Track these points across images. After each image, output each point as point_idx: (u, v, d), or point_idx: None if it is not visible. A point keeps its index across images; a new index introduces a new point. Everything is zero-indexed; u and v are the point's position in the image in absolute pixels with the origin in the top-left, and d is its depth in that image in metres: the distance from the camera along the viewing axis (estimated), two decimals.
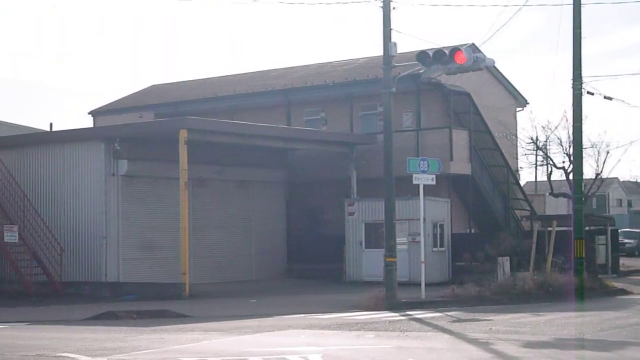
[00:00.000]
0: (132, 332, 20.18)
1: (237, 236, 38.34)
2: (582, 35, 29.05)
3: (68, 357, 15.94)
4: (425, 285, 26.82)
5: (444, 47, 25.87)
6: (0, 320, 24.42)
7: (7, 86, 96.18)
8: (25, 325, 23.26)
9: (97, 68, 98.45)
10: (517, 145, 44.42)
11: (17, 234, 32.96)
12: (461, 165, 38.61)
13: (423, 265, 27.17)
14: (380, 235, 30.50)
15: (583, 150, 31.14)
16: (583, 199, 31.00)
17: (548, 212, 47.07)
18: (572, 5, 29.01)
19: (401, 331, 19.29)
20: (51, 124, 44.75)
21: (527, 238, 32.05)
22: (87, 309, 26.87)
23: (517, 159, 45.49)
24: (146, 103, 47.50)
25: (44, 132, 41.00)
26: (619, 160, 70.05)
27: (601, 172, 42.41)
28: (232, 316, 23.99)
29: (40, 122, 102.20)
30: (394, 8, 26.40)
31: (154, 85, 52.90)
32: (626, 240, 51.23)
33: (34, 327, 22.47)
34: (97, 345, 17.54)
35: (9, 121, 43.96)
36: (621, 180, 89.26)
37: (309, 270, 38.76)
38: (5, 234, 32.93)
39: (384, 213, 26.92)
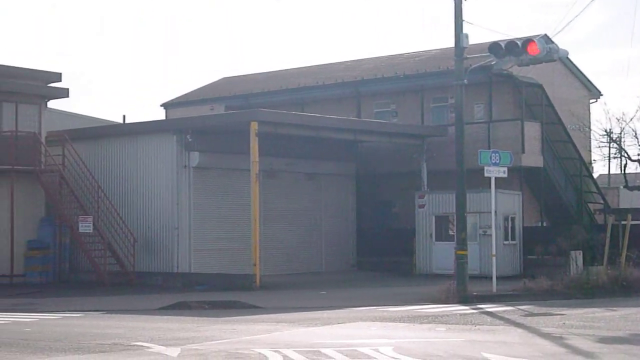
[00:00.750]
0: (204, 323, 20.39)
1: (307, 228, 38.45)
2: None
3: (142, 346, 16.17)
4: (496, 278, 26.63)
5: (516, 38, 25.63)
6: (76, 309, 24.91)
7: (80, 77, 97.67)
8: (99, 314, 23.64)
9: (169, 60, 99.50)
10: (590, 138, 43.79)
11: (91, 225, 33.52)
12: (533, 158, 38.20)
13: (494, 258, 26.99)
14: (451, 228, 30.37)
15: None
16: None
17: (622, 206, 46.30)
18: None
19: (473, 324, 19.17)
20: (124, 116, 45.35)
21: (601, 232, 31.55)
22: (159, 299, 27.22)
23: (590, 151, 44.84)
24: (217, 95, 47.85)
25: (118, 125, 41.55)
26: None
27: None
28: (302, 308, 24.07)
29: (113, 114, 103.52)
30: None
31: (224, 77, 53.27)
32: None
33: (109, 316, 22.83)
34: (170, 335, 17.76)
35: (83, 113, 44.64)
36: None
37: (379, 263, 38.74)
38: (80, 225, 33.51)
39: (455, 206, 26.78)
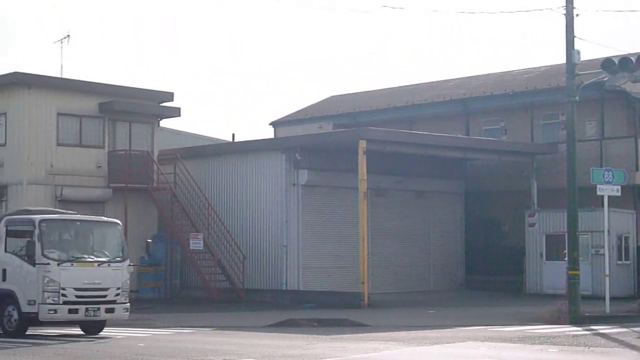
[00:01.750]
0: (313, 340, 20.46)
1: (415, 246, 38.29)
2: None
3: None
4: (609, 299, 26.05)
5: (630, 54, 25.11)
6: (187, 324, 25.31)
7: (190, 97, 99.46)
8: (209, 330, 23.96)
9: (278, 79, 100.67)
10: None
11: (202, 242, 34.05)
12: None
13: (607, 278, 26.42)
14: (562, 247, 29.81)
15: None
16: None
17: None
18: None
19: (585, 346, 18.79)
20: (233, 135, 45.96)
21: None
22: (268, 316, 27.44)
23: None
24: (325, 114, 48.13)
25: (227, 143, 42.13)
26: None
27: None
28: (411, 326, 23.95)
29: (223, 133, 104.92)
30: (577, 15, 25.81)
31: (332, 96, 53.54)
32: None
33: (219, 332, 23.12)
34: (279, 352, 17.88)
35: (194, 132, 45.44)
36: None
37: (487, 282, 38.31)
38: (191, 242, 34.08)
39: (566, 224, 26.32)
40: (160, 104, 37.36)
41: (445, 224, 39.19)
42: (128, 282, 22.52)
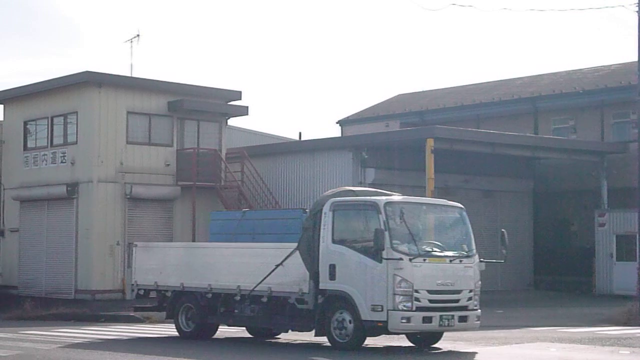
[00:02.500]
0: None
1: (483, 246, 37.89)
2: None
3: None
4: None
5: None
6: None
7: (258, 95, 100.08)
8: None
9: (345, 77, 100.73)
10: None
11: None
12: None
13: None
14: (633, 248, 29.45)
15: None
16: None
17: None
18: None
19: None
20: (300, 133, 46.11)
21: None
22: None
23: None
24: (392, 112, 48.05)
25: (295, 141, 42.27)
26: None
27: None
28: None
29: (290, 131, 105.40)
30: None
31: (399, 94, 53.43)
32: None
33: None
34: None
35: (261, 130, 45.66)
36: None
37: (556, 282, 37.93)
38: None
39: (638, 224, 25.93)
40: (228, 103, 37.61)
41: (513, 223, 38.80)
42: (479, 282, 18.65)
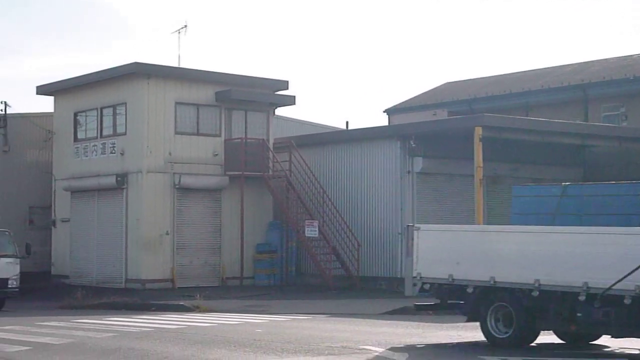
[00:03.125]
0: (430, 328, 20.41)
1: None
2: None
3: (370, 349, 16.36)
4: None
5: None
6: (303, 311, 25.55)
7: (305, 85, 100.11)
8: (326, 317, 24.13)
9: (392, 65, 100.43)
10: None
11: (317, 229, 34.26)
12: None
13: None
14: None
15: None
16: None
17: None
18: None
19: None
20: (347, 122, 46.09)
21: None
22: (383, 303, 27.44)
23: None
24: (439, 101, 47.82)
25: (342, 131, 42.24)
26: None
27: None
28: None
29: (337, 121, 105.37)
30: None
31: (447, 82, 53.16)
32: None
33: (335, 320, 23.25)
34: (396, 340, 17.88)
35: (308, 120, 45.69)
36: None
37: None
38: (307, 229, 34.33)
39: None
40: (276, 92, 37.68)
41: None
42: None
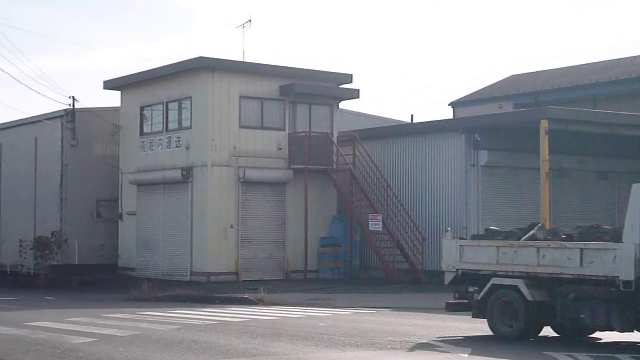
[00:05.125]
0: None
1: None
2: None
3: (434, 344, 16.27)
4: None
5: None
6: (366, 305, 25.52)
7: (369, 78, 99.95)
8: (389, 311, 24.07)
9: (457, 58, 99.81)
10: None
11: (381, 223, 34.20)
12: None
13: None
14: None
15: None
16: None
17: None
18: None
19: None
20: (412, 116, 45.86)
21: None
22: (447, 298, 27.23)
23: None
24: (505, 94, 47.35)
25: (407, 124, 42.06)
26: None
27: None
28: None
29: (401, 114, 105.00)
30: None
31: (513, 75, 52.62)
32: None
33: (398, 314, 23.20)
34: (460, 334, 17.80)
35: (372, 113, 45.59)
36: None
37: None
38: (371, 223, 34.28)
39: None
40: (340, 86, 37.65)
41: None
42: None
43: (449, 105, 50.36)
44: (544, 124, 30.98)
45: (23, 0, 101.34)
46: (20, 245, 39.76)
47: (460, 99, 50.43)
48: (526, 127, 32.67)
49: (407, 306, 25.35)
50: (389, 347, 15.93)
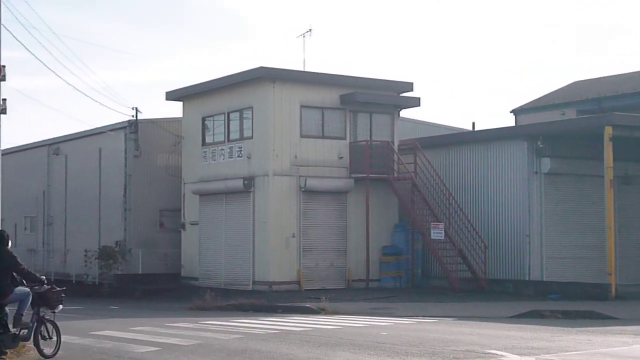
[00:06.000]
0: (558, 332, 19.99)
1: None
2: None
3: (496, 354, 16.10)
4: None
5: None
6: (428, 314, 25.37)
7: (429, 85, 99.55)
8: (452, 320, 23.89)
9: (520, 65, 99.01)
10: None
11: (443, 231, 34.02)
12: None
13: None
14: None
15: None
16: None
17: None
18: None
19: None
20: (473, 123, 45.56)
21: None
22: (511, 306, 27.05)
23: None
24: (567, 100, 46.86)
25: (468, 132, 41.80)
26: None
27: None
28: None
29: (462, 122, 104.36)
30: None
31: (575, 81, 52.05)
32: None
33: (461, 323, 23.00)
34: (523, 344, 17.57)
35: (432, 121, 45.40)
36: None
37: None
38: (432, 231, 34.12)
39: None
40: (400, 94, 37.57)
41: None
42: None
43: (511, 112, 50.00)
44: (608, 130, 30.60)
45: (85, 13, 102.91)
46: (85, 255, 40.31)
47: (522, 105, 50.02)
48: (589, 134, 32.30)
49: (469, 315, 25.16)
50: (451, 356, 15.81)
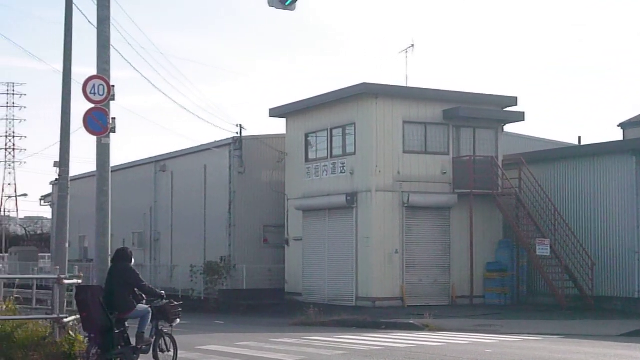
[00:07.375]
0: None
1: None
2: None
3: None
4: None
5: None
6: (534, 331, 24.99)
7: (534, 99, 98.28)
8: (558, 338, 23.49)
9: (627, 77, 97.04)
10: None
11: (549, 247, 33.50)
12: None
13: None
14: None
15: None
16: None
17: None
18: None
19: None
20: (579, 138, 44.86)
21: None
22: (619, 325, 26.46)
23: None
24: None
25: (573, 146, 41.11)
26: None
27: None
28: None
29: (568, 136, 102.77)
30: None
31: None
32: None
33: (567, 341, 22.59)
34: None
35: (537, 136, 44.82)
36: None
37: None
38: (538, 247, 33.63)
39: None
40: (504, 109, 37.20)
41: None
42: None
43: (618, 126, 49.03)
44: None
45: (187, 33, 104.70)
46: (191, 270, 40.95)
47: (630, 119, 49.01)
48: None
49: (576, 333, 24.69)
50: None
